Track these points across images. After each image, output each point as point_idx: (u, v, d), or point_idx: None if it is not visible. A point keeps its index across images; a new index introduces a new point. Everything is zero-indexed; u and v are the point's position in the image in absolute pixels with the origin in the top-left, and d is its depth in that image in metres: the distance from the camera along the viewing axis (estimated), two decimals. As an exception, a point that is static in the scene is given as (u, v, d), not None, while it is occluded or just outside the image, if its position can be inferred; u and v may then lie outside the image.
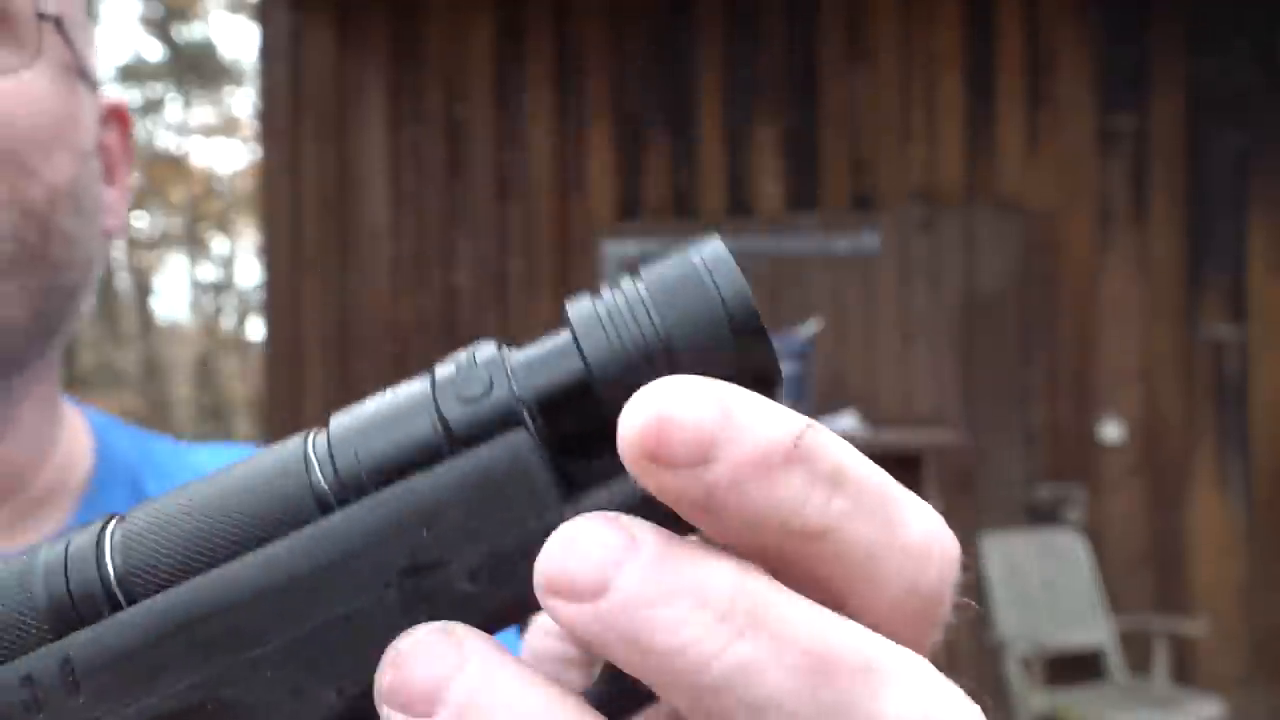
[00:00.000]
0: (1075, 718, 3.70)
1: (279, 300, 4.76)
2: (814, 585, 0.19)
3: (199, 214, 14.39)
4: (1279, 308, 4.27)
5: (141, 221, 15.06)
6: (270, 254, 4.85)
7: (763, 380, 0.20)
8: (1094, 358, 4.36)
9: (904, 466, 4.30)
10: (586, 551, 0.18)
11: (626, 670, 0.18)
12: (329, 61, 4.69)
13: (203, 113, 15.82)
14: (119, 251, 15.14)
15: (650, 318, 0.20)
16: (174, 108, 15.62)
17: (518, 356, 0.21)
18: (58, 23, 0.48)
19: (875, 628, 0.19)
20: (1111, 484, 4.33)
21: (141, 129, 16.12)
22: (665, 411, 0.18)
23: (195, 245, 15.12)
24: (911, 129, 4.48)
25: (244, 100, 15.08)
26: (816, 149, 4.51)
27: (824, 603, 0.19)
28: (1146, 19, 4.36)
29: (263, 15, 4.90)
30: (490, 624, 0.20)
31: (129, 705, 0.19)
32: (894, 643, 0.19)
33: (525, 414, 0.20)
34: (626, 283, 0.20)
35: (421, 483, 0.20)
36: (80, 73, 0.50)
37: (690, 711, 0.18)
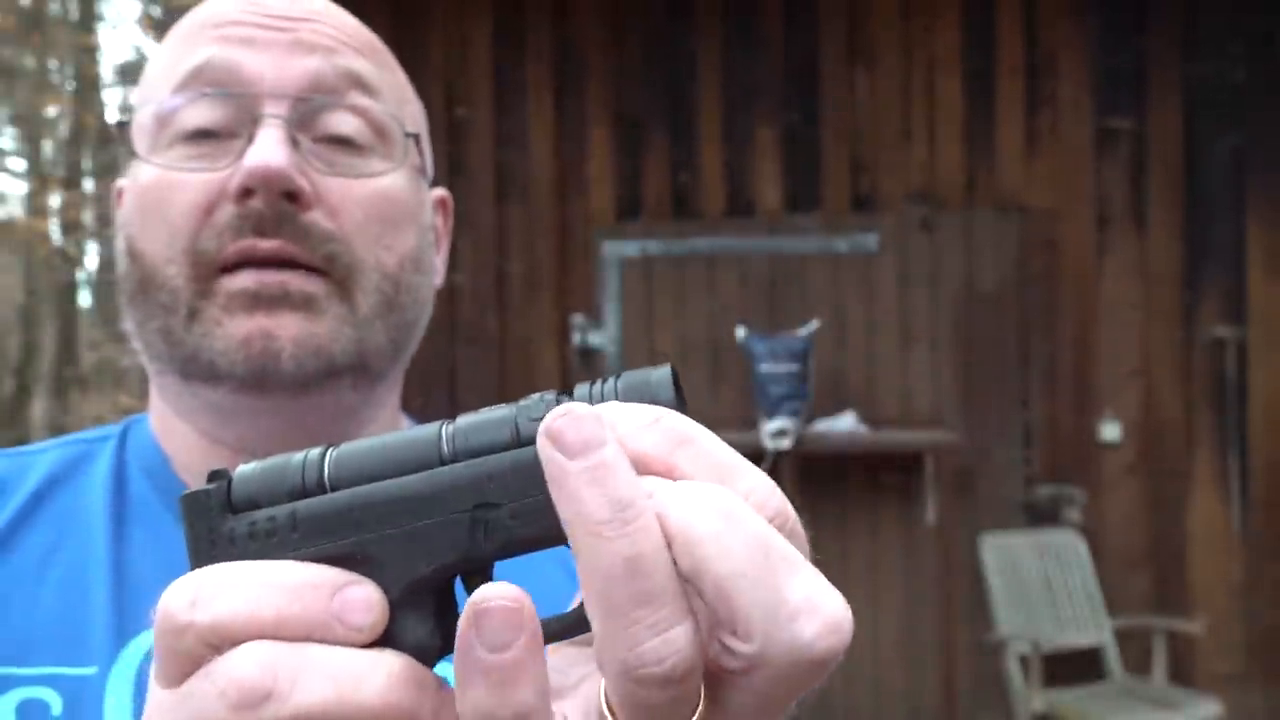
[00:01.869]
0: (1074, 717, 3.71)
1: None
2: None
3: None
4: (1277, 309, 4.28)
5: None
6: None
7: None
8: (1093, 358, 4.37)
9: (904, 466, 4.31)
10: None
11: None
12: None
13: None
14: (120, 251, 15.14)
15: (615, 396, 0.33)
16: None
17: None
18: (416, 139, 0.69)
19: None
20: (1110, 484, 4.34)
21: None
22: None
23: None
24: (911, 130, 4.49)
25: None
26: (816, 150, 4.52)
27: None
28: (1144, 22, 4.37)
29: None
30: (518, 548, 0.33)
31: (316, 546, 0.34)
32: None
33: None
34: (611, 379, 0.34)
35: (496, 458, 0.33)
36: (423, 172, 0.72)
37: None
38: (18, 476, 0.67)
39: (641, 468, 0.30)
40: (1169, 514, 4.31)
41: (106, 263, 15.14)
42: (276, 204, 0.61)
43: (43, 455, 0.69)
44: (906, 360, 4.43)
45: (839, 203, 4.49)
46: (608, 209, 4.58)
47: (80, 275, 14.76)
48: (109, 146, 14.52)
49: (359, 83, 0.65)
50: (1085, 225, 4.39)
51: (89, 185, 14.47)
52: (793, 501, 0.32)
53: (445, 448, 0.34)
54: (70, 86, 14.64)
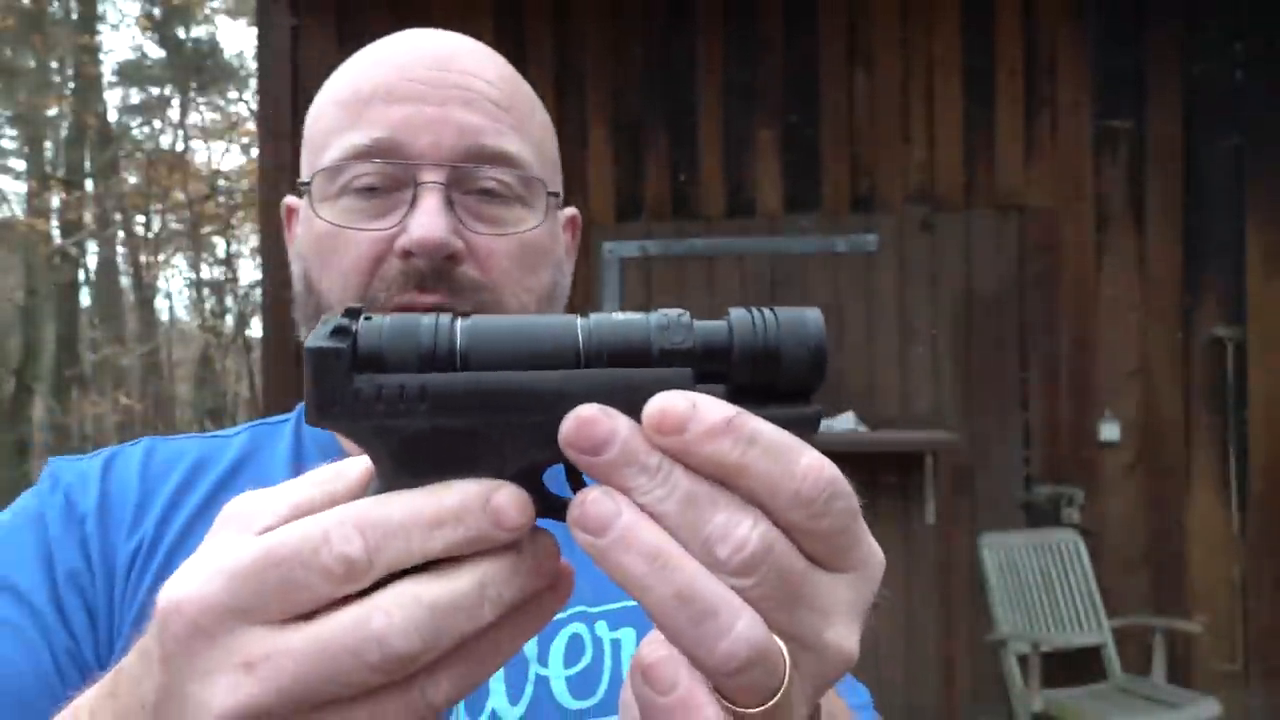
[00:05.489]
0: (1074, 717, 3.71)
1: (279, 300, 4.77)
2: (744, 494, 0.35)
3: (200, 214, 14.35)
4: (1276, 309, 4.28)
5: (142, 222, 15.06)
6: (269, 254, 4.86)
7: (805, 389, 0.39)
8: (1092, 358, 4.37)
9: (904, 466, 4.31)
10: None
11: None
12: (329, 63, 4.65)
13: (205, 113, 15.81)
14: (120, 252, 15.14)
15: (777, 328, 0.37)
16: (175, 107, 15.61)
17: (697, 325, 0.37)
18: (556, 195, 0.81)
19: (779, 518, 0.36)
20: (1110, 484, 4.34)
21: (143, 129, 16.10)
22: (660, 405, 0.35)
23: (196, 245, 15.09)
24: (911, 131, 4.49)
25: (246, 101, 15.07)
26: (816, 150, 4.52)
27: (750, 501, 0.36)
28: (1143, 22, 4.37)
29: (262, 17, 4.90)
30: None
31: (441, 419, 0.35)
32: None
33: (694, 355, 0.37)
34: (769, 311, 0.37)
35: (626, 374, 0.36)
36: (558, 207, 0.82)
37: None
38: (216, 456, 0.77)
39: (717, 469, 0.35)
40: (1169, 514, 4.31)
41: (106, 263, 15.12)
42: (436, 263, 0.72)
43: (235, 437, 0.80)
44: (906, 360, 4.43)
45: (839, 203, 4.50)
46: (608, 209, 4.58)
47: (80, 275, 14.75)
48: (109, 146, 14.52)
49: (508, 160, 0.76)
50: (1085, 225, 4.39)
51: (89, 185, 14.45)
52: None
53: (579, 339, 0.36)
54: (70, 86, 14.63)
